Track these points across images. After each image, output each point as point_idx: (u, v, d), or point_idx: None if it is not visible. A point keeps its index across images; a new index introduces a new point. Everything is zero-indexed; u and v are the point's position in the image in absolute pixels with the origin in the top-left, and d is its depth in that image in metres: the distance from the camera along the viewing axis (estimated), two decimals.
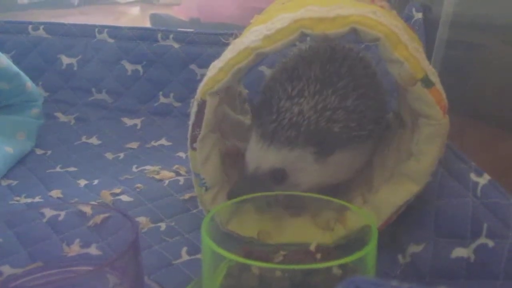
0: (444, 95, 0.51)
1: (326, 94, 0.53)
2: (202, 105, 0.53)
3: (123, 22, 2.19)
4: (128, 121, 0.86)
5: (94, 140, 0.83)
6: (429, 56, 0.77)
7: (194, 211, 0.64)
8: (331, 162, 0.54)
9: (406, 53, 0.48)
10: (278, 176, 0.53)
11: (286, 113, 0.52)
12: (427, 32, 0.81)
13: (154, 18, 1.47)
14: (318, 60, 0.55)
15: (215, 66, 0.53)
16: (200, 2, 1.56)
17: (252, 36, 0.51)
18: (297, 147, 0.52)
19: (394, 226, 0.56)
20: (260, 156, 0.53)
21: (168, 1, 2.24)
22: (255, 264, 0.40)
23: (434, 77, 0.50)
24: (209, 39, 0.85)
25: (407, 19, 0.79)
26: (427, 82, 0.49)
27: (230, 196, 0.52)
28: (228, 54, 0.52)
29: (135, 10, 2.34)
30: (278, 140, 0.52)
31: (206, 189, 0.56)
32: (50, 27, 0.89)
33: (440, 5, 0.80)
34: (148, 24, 1.53)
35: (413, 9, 0.79)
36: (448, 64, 0.79)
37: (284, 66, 0.58)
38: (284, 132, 0.52)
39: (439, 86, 0.50)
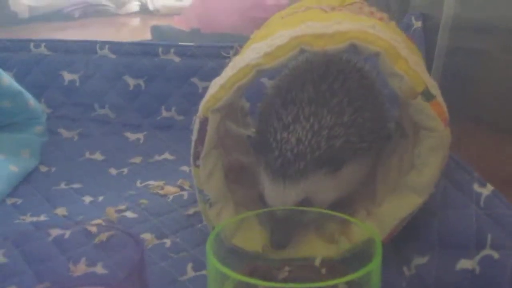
0: (445, 107, 0.51)
1: (322, 114, 0.53)
2: (204, 123, 0.53)
3: (124, 33, 2.20)
4: (131, 136, 0.87)
5: (97, 156, 0.83)
6: (429, 63, 0.77)
7: (199, 226, 0.64)
8: (342, 176, 0.55)
9: (406, 67, 0.49)
10: (305, 205, 0.53)
11: (286, 145, 0.52)
12: (427, 39, 0.81)
13: (155, 30, 1.47)
14: (311, 79, 0.56)
15: (216, 83, 0.53)
16: (200, 13, 1.56)
17: (253, 54, 0.51)
18: (310, 174, 0.52)
19: (399, 237, 0.56)
20: (282, 195, 0.53)
21: (169, 11, 2.25)
22: (261, 284, 0.40)
23: (435, 90, 0.50)
24: (210, 52, 0.86)
25: (407, 28, 0.79)
26: (427, 95, 0.49)
27: (277, 247, 0.52)
28: (229, 71, 0.52)
29: (136, 21, 2.35)
30: (290, 175, 0.52)
31: (211, 205, 0.56)
32: (52, 44, 0.90)
33: (440, 10, 0.80)
34: (148, 35, 1.54)
35: (413, 18, 0.80)
36: (448, 70, 0.79)
37: (278, 87, 0.58)
38: (292, 165, 0.52)
39: (439, 98, 0.50)
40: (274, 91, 0.59)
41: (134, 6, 2.39)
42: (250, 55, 0.52)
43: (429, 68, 0.77)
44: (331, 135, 0.53)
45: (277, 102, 0.56)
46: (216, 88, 0.52)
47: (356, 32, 0.49)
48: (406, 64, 0.49)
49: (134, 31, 2.25)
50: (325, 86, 0.55)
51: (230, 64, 0.54)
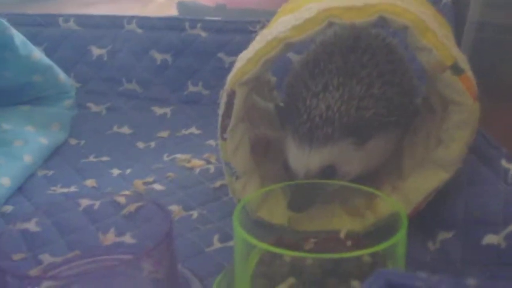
0: (474, 82, 0.50)
1: (351, 84, 0.53)
2: (231, 96, 0.54)
3: (151, 8, 2.20)
4: (158, 110, 0.88)
5: (125, 130, 0.84)
6: (459, 39, 0.76)
7: (225, 198, 0.64)
8: (369, 148, 0.55)
9: (435, 40, 0.48)
10: (329, 173, 0.53)
11: (315, 111, 0.52)
12: (457, 14, 0.80)
13: (181, 5, 1.47)
14: (339, 51, 0.56)
15: (244, 57, 0.53)
16: None
17: (280, 27, 0.51)
18: (337, 141, 0.52)
19: (424, 212, 0.56)
20: (306, 159, 0.53)
21: None
22: (287, 253, 0.41)
23: (464, 64, 0.50)
24: (236, 27, 0.86)
25: (436, 2, 0.78)
26: (456, 69, 0.49)
27: (295, 209, 0.52)
28: (256, 45, 0.52)
29: None
30: (317, 139, 0.52)
31: (237, 178, 0.57)
32: (80, 19, 0.91)
33: None
34: (175, 11, 1.54)
35: None
36: (478, 47, 0.78)
37: (306, 61, 0.58)
38: (320, 130, 0.52)
39: (469, 73, 0.50)
40: (301, 65, 0.59)
41: None
42: (278, 28, 0.52)
43: (458, 44, 0.76)
44: (360, 105, 0.53)
45: (304, 74, 0.56)
46: (244, 62, 0.53)
47: (385, 5, 0.48)
48: (434, 37, 0.48)
49: (160, 6, 2.24)
50: (353, 58, 0.55)
51: (257, 37, 0.54)
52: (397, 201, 0.53)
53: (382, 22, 0.49)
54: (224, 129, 0.55)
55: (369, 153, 0.55)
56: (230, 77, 0.54)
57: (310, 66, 0.56)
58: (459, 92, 0.49)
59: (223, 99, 0.55)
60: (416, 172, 0.56)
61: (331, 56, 0.55)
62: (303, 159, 0.54)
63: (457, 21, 0.79)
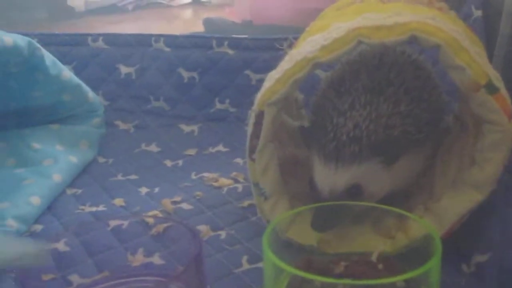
0: (509, 100, 0.49)
1: (378, 102, 0.52)
2: (260, 116, 0.53)
3: (176, 25, 2.23)
4: (186, 128, 0.88)
5: (153, 148, 0.84)
6: (490, 53, 0.75)
7: (253, 218, 0.64)
8: (397, 168, 0.53)
9: (468, 58, 0.47)
10: (355, 193, 0.52)
11: (342, 129, 0.51)
12: (488, 27, 0.78)
13: (207, 22, 1.48)
14: (365, 69, 0.55)
15: (273, 77, 0.53)
16: (252, 4, 1.56)
17: (309, 47, 0.51)
18: (364, 160, 0.51)
19: (458, 233, 0.54)
20: (332, 178, 0.52)
21: (220, 2, 2.26)
22: (317, 278, 0.40)
23: (498, 82, 0.49)
24: (263, 45, 0.86)
25: (466, 17, 0.76)
26: (491, 88, 0.48)
27: (317, 229, 0.51)
28: (285, 65, 0.52)
29: (188, 13, 2.38)
30: (343, 158, 0.51)
31: (266, 198, 0.57)
32: (109, 38, 0.92)
33: None
34: (200, 27, 1.55)
35: (472, 7, 0.77)
36: (511, 60, 0.76)
37: (331, 79, 0.57)
38: (347, 149, 0.51)
39: (503, 91, 0.49)
40: (327, 83, 0.58)
41: None
42: (306, 48, 0.51)
43: (490, 58, 0.74)
44: (388, 124, 0.52)
45: (331, 93, 0.55)
46: (272, 82, 0.52)
47: (417, 24, 0.48)
48: (468, 56, 0.47)
49: (186, 22, 2.27)
50: (379, 75, 0.54)
51: (286, 57, 0.54)
52: (429, 223, 0.52)
53: (413, 40, 0.48)
54: (252, 149, 0.55)
55: (397, 173, 0.54)
56: (258, 97, 0.54)
57: (336, 85, 0.55)
58: (494, 111, 0.48)
59: (251, 119, 0.55)
60: (450, 193, 0.54)
61: (357, 74, 0.55)
62: (328, 177, 0.52)
63: (488, 35, 0.78)
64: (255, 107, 0.54)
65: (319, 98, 0.59)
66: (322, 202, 0.51)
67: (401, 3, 0.57)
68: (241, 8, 1.67)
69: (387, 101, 0.52)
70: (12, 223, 0.63)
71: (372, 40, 0.48)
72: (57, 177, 0.73)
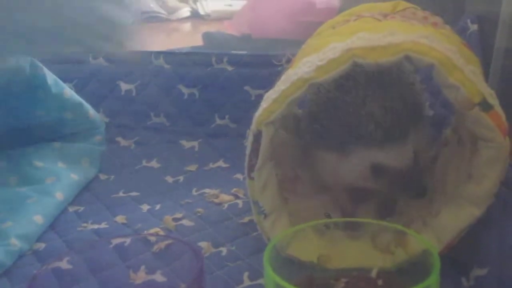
0: (503, 117, 0.50)
1: (383, 88, 0.55)
2: (258, 136, 0.54)
3: (176, 38, 2.24)
4: (186, 144, 0.89)
5: (154, 164, 0.85)
6: (487, 66, 0.75)
7: (254, 234, 0.65)
8: (422, 129, 0.57)
9: (462, 77, 0.48)
10: (416, 158, 0.55)
11: (377, 116, 0.54)
12: (484, 41, 0.79)
13: (206, 36, 1.50)
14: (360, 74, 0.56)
15: (269, 96, 0.54)
16: (251, 18, 1.57)
17: (305, 67, 0.52)
18: (410, 130, 0.54)
19: (456, 247, 0.55)
20: (401, 153, 0.55)
21: (219, 16, 2.27)
22: None
23: (492, 100, 0.49)
24: (262, 61, 0.87)
25: (462, 31, 0.77)
26: (485, 106, 0.48)
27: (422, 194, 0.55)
28: (282, 85, 0.53)
29: (187, 26, 2.39)
30: (399, 135, 0.54)
31: (265, 216, 0.57)
32: (109, 56, 0.93)
33: (498, 9, 0.78)
34: (200, 40, 1.57)
35: (468, 21, 0.78)
36: (507, 74, 0.77)
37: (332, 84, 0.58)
38: (393, 128, 0.54)
39: (498, 108, 0.49)
40: (329, 87, 0.58)
41: (185, 11, 2.42)
42: (302, 68, 0.52)
43: (486, 71, 0.75)
44: (402, 97, 0.55)
45: (336, 93, 0.56)
46: (270, 102, 0.53)
47: (410, 43, 0.48)
48: (462, 75, 0.48)
49: (186, 36, 2.28)
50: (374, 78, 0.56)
51: (283, 77, 0.55)
52: (428, 239, 0.52)
53: (407, 60, 0.49)
54: (251, 168, 0.56)
55: (423, 134, 0.58)
56: (256, 117, 0.54)
57: (340, 85, 0.56)
58: (488, 128, 0.49)
59: (249, 138, 0.56)
60: (448, 208, 0.55)
61: (353, 73, 0.56)
62: (397, 155, 0.54)
63: (484, 49, 0.78)
64: (253, 126, 0.55)
65: (324, 101, 0.59)
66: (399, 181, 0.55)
67: (395, 21, 0.58)
68: (239, 21, 1.68)
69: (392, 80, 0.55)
70: (15, 242, 0.64)
71: (367, 61, 0.49)
72: (59, 195, 0.74)
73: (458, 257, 0.55)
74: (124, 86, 0.92)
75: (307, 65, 0.52)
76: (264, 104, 0.54)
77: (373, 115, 0.53)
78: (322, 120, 0.57)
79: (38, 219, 0.68)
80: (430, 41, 0.49)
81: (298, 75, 0.51)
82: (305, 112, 0.62)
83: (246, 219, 0.67)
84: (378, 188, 0.57)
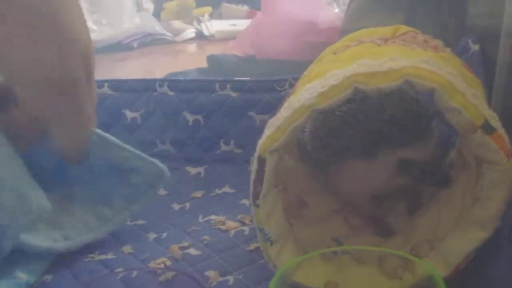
0: (507, 140, 0.50)
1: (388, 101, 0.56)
2: (262, 163, 0.54)
3: (181, 59, 2.26)
4: (192, 170, 0.89)
5: (160, 191, 0.84)
6: (489, 85, 0.75)
7: (261, 261, 0.64)
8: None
9: (464, 101, 0.48)
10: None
11: (400, 120, 0.56)
12: (486, 58, 0.79)
13: (211, 59, 1.51)
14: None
15: (273, 124, 0.54)
16: (254, 39, 1.59)
17: (307, 94, 0.52)
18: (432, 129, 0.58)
19: (464, 271, 0.54)
20: (428, 147, 0.58)
21: (224, 36, 2.29)
22: None
23: (495, 122, 0.49)
24: (265, 86, 0.87)
25: (463, 51, 0.77)
26: (487, 128, 0.48)
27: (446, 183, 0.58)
28: (285, 112, 0.53)
29: (192, 48, 2.41)
30: (426, 132, 0.58)
31: (271, 244, 0.57)
32: (114, 84, 0.93)
33: (500, 25, 0.78)
34: (204, 61, 1.58)
35: (470, 41, 0.78)
36: (511, 89, 0.77)
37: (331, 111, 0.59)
38: (419, 123, 0.57)
39: (501, 131, 0.49)
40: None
41: (190, 33, 2.45)
42: (304, 95, 0.52)
43: (490, 90, 0.75)
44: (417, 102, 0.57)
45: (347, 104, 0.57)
46: (273, 129, 0.53)
47: (410, 68, 0.49)
48: (463, 98, 0.48)
49: (191, 57, 2.30)
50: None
51: (285, 103, 0.55)
52: (433, 265, 0.52)
53: (408, 85, 0.49)
54: (256, 195, 0.56)
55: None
56: (259, 145, 0.54)
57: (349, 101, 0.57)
58: (492, 151, 0.49)
59: (253, 166, 0.56)
60: (455, 231, 0.55)
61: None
62: (423, 147, 0.57)
63: (486, 66, 0.78)
64: (256, 153, 0.55)
65: (338, 116, 0.59)
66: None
67: (395, 46, 0.58)
68: (243, 42, 1.69)
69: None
70: (21, 276, 0.64)
71: (368, 87, 0.49)
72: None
73: (465, 280, 0.55)
74: (129, 114, 0.93)
75: (309, 92, 0.52)
76: (267, 132, 0.54)
77: (395, 118, 0.56)
78: (342, 132, 0.59)
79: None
80: (430, 65, 0.49)
81: (301, 102, 0.51)
82: (314, 131, 0.63)
83: (252, 246, 0.67)
84: (404, 183, 0.59)
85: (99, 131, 0.74)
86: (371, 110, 0.56)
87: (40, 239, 0.67)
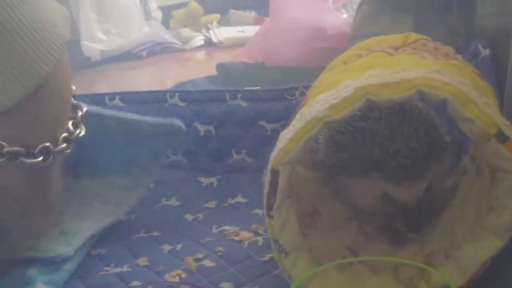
0: None
1: (410, 115, 0.57)
2: (275, 175, 0.54)
3: (190, 67, 2.27)
4: (205, 180, 0.89)
5: (173, 202, 0.85)
6: (501, 88, 0.75)
7: (275, 272, 0.64)
8: (444, 162, 0.60)
9: (477, 110, 0.48)
10: (430, 193, 0.58)
11: (394, 153, 0.56)
12: (497, 62, 0.79)
13: (220, 67, 1.51)
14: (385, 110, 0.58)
15: (285, 136, 0.54)
16: (263, 46, 1.59)
17: (318, 105, 0.52)
18: (427, 167, 0.57)
19: (481, 280, 0.54)
20: (413, 191, 0.57)
21: (232, 43, 2.30)
22: None
23: (509, 130, 0.49)
24: (275, 95, 0.87)
25: (474, 56, 0.77)
26: (501, 137, 0.48)
27: (415, 229, 0.59)
28: (297, 124, 0.53)
29: (201, 55, 2.42)
30: (414, 174, 0.57)
31: (286, 255, 0.57)
32: (125, 97, 0.94)
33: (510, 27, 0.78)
34: (213, 68, 1.58)
35: (480, 46, 0.78)
36: None
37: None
38: (412, 167, 0.56)
39: None
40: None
41: (199, 40, 2.46)
42: (316, 107, 0.52)
43: (500, 94, 0.75)
44: (425, 129, 0.57)
45: (357, 120, 0.58)
46: (285, 142, 0.53)
47: (422, 79, 0.49)
48: (476, 108, 0.48)
49: (200, 64, 2.31)
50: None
51: (297, 116, 0.55)
52: (448, 274, 0.52)
53: (419, 96, 0.49)
54: (270, 207, 0.56)
55: (443, 166, 0.60)
56: (272, 157, 0.55)
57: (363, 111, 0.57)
58: (506, 160, 0.49)
59: (266, 178, 0.56)
60: (470, 239, 0.54)
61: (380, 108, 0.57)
62: (409, 192, 0.57)
63: (497, 72, 0.78)
64: (269, 166, 0.55)
65: (350, 130, 0.60)
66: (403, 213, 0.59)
67: (407, 55, 0.58)
68: (252, 49, 1.70)
69: (414, 111, 0.57)
70: (42, 287, 0.64)
71: (380, 98, 0.49)
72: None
73: None
74: None
75: (321, 103, 0.52)
76: (280, 144, 0.54)
77: (398, 153, 0.56)
78: (346, 147, 0.60)
79: (65, 264, 0.69)
80: (442, 75, 0.49)
81: (313, 114, 0.52)
82: (328, 139, 0.63)
83: (267, 257, 0.67)
84: (385, 212, 0.61)
85: (113, 113, 0.78)
86: (379, 134, 0.57)
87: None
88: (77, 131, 0.63)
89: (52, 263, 0.68)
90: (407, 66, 0.51)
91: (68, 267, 0.69)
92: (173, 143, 0.81)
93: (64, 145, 0.60)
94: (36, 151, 0.57)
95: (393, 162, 0.56)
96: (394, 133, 0.56)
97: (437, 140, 0.58)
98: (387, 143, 0.56)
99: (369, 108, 0.57)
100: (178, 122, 0.79)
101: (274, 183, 0.55)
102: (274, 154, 0.55)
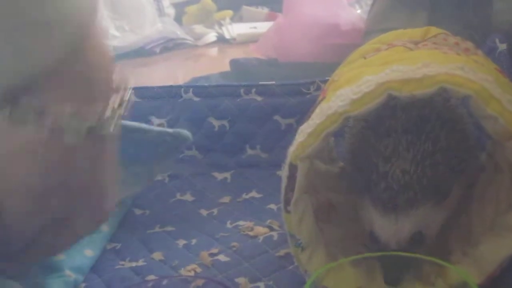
0: None
1: (419, 142, 0.53)
2: (293, 170, 0.54)
3: (202, 63, 2.27)
4: (219, 175, 0.89)
5: (188, 197, 0.85)
6: None
7: (290, 267, 0.64)
8: (447, 204, 0.54)
9: (500, 108, 0.47)
10: (418, 240, 0.53)
11: (392, 177, 0.51)
12: None
13: (233, 63, 1.51)
14: (401, 106, 0.55)
15: (304, 130, 0.54)
16: (276, 42, 1.58)
17: (339, 100, 0.52)
18: (421, 205, 0.52)
19: (499, 279, 0.54)
20: (395, 228, 0.52)
21: (245, 39, 2.29)
22: None
23: None
24: (290, 90, 0.87)
25: (491, 51, 0.76)
26: None
27: (392, 283, 0.52)
28: (316, 119, 0.53)
29: (213, 51, 2.41)
30: (401, 206, 0.51)
31: (302, 249, 0.57)
32: (140, 91, 0.93)
33: None
34: (226, 64, 1.58)
35: (497, 40, 0.77)
36: None
37: (366, 119, 0.57)
38: (401, 196, 0.51)
39: None
40: (363, 123, 0.58)
41: (211, 36, 2.46)
42: (336, 102, 0.52)
43: None
44: (433, 162, 0.52)
45: (368, 134, 0.56)
46: (305, 136, 0.53)
47: (445, 75, 0.48)
48: (499, 105, 0.48)
49: (213, 61, 2.30)
50: (415, 112, 0.54)
51: (317, 110, 0.55)
52: (467, 272, 0.51)
53: (442, 92, 0.49)
54: (287, 202, 0.56)
55: (447, 209, 0.55)
56: (291, 152, 0.54)
57: (374, 125, 0.56)
58: None
59: (284, 173, 0.56)
60: (488, 238, 0.54)
61: (393, 111, 0.55)
62: (391, 228, 0.53)
63: None
64: (288, 160, 0.55)
65: (355, 139, 0.59)
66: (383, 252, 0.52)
67: (428, 50, 0.57)
68: (265, 45, 1.69)
69: (427, 140, 0.53)
70: (70, 274, 0.65)
71: (402, 93, 0.49)
72: (104, 227, 0.74)
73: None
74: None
75: (341, 98, 0.52)
76: (299, 139, 0.54)
77: (391, 175, 0.52)
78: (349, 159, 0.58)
79: (88, 252, 0.69)
80: (465, 72, 0.49)
81: (333, 109, 0.51)
82: (350, 137, 0.62)
83: (282, 252, 0.67)
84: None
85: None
86: (384, 151, 0.53)
87: None
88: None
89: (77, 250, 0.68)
90: (429, 61, 0.50)
91: (92, 255, 0.70)
92: (179, 148, 0.81)
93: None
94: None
95: (382, 184, 0.52)
96: (397, 152, 0.52)
97: (447, 174, 0.53)
98: (390, 162, 0.52)
99: (386, 118, 0.55)
100: (186, 133, 0.78)
101: (292, 177, 0.55)
102: (292, 148, 0.54)
